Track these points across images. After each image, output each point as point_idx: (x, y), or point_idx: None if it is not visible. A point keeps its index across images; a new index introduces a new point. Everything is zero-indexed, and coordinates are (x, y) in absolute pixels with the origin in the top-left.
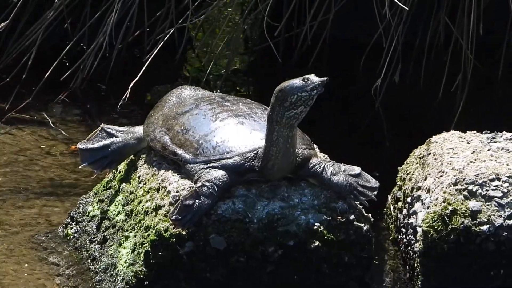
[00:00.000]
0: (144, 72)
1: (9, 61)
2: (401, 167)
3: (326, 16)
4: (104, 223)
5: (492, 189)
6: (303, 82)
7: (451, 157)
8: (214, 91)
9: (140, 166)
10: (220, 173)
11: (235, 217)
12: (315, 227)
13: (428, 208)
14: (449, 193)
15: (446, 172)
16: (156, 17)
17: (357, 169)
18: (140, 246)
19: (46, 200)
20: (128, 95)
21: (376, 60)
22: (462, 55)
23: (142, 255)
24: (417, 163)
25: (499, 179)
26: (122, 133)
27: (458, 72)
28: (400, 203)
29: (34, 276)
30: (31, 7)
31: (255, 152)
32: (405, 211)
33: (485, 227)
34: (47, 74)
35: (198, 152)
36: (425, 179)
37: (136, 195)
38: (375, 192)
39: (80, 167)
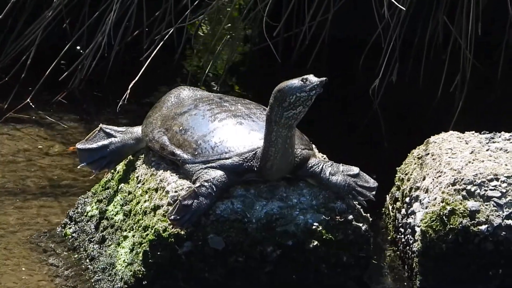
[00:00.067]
0: (143, 72)
1: (7, 61)
2: (399, 167)
3: (325, 16)
4: (103, 223)
5: (491, 189)
6: (302, 83)
7: (449, 157)
8: (213, 91)
9: (139, 166)
10: (218, 173)
11: (234, 217)
12: (314, 227)
13: (426, 208)
14: (447, 193)
15: (445, 172)
16: (154, 17)
17: (355, 169)
18: (139, 246)
19: (45, 200)
20: (127, 96)
21: (376, 60)
22: (461, 55)
23: (140, 255)
24: (415, 163)
25: (497, 179)
26: (121, 133)
27: (457, 72)
28: (398, 203)
29: (33, 276)
30: (30, 6)
31: (254, 152)
32: (403, 211)
33: (483, 227)
34: (45, 74)
35: (196, 152)
36: (424, 179)
37: (135, 195)
38: (374, 192)
39: (78, 167)
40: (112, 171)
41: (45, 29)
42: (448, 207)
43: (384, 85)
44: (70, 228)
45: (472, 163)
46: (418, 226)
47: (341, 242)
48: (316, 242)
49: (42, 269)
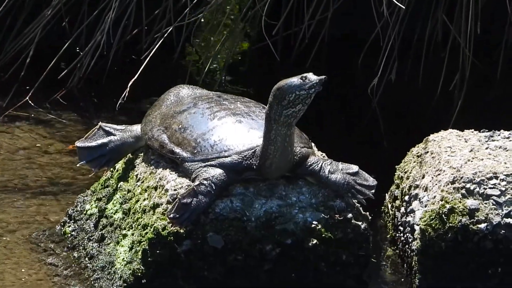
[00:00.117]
0: (142, 71)
1: (7, 60)
2: (399, 166)
3: (325, 14)
4: (102, 221)
5: (490, 188)
6: (301, 81)
7: (449, 155)
8: (212, 89)
9: (138, 165)
10: (218, 172)
11: (233, 215)
12: (313, 225)
13: (426, 206)
14: (446, 191)
15: (444, 171)
16: (154, 15)
17: (354, 168)
18: (138, 244)
19: (44, 198)
20: (126, 94)
21: (375, 59)
22: (460, 54)
23: (139, 253)
24: (415, 162)
25: (496, 178)
26: (120, 131)
27: (456, 70)
28: (398, 202)
29: (32, 274)
30: (29, 5)
31: (253, 150)
32: (403, 209)
33: (482, 226)
34: (45, 73)
35: (196, 151)
36: (423, 177)
37: (134, 193)
38: (373, 191)
39: (78, 165)
40: (111, 169)
41: (44, 28)
42: (448, 206)
43: (383, 84)
44: (69, 226)
45: (472, 161)
46: (418, 225)
47: (341, 241)
48: (315, 241)
49: (41, 268)
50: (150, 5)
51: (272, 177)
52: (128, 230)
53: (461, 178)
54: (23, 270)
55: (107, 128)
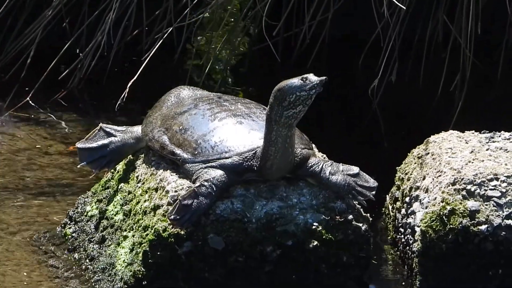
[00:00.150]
0: (143, 71)
1: (7, 60)
2: (399, 167)
3: (325, 15)
4: (103, 223)
5: (491, 189)
6: (302, 82)
7: (449, 157)
8: (213, 90)
9: (139, 166)
10: (218, 173)
11: (234, 217)
12: (314, 227)
13: (426, 208)
14: (447, 193)
15: (445, 172)
16: (154, 16)
17: (355, 169)
18: (139, 246)
19: (44, 200)
20: (126, 95)
21: (376, 59)
22: (461, 54)
23: (140, 255)
24: (415, 163)
25: (497, 179)
26: (121, 132)
27: (457, 71)
28: (398, 203)
29: (32, 276)
30: (30, 6)
31: (254, 151)
32: (403, 211)
33: (483, 227)
34: (45, 73)
35: (196, 152)
36: (424, 179)
37: (135, 195)
38: (374, 192)
39: (78, 166)
40: (112, 170)
41: (44, 28)
42: (448, 207)
43: (383, 85)
44: (70, 228)
45: (472, 162)
46: (418, 226)
47: (341, 242)
48: (316, 242)
49: (41, 269)
50: (151, 5)
51: (273, 178)
52: (129, 232)
53: (462, 179)
54: (23, 271)
55: (107, 129)
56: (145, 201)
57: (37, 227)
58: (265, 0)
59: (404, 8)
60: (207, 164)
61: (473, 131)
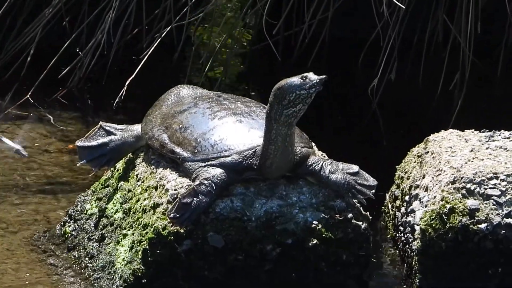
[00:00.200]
0: (143, 70)
1: (7, 59)
2: (399, 166)
3: (325, 14)
4: (102, 221)
5: (490, 188)
6: (302, 80)
7: (449, 155)
8: (213, 89)
9: (138, 164)
10: (218, 171)
11: (233, 215)
12: (313, 225)
13: (426, 206)
14: (447, 191)
15: (444, 171)
16: (154, 15)
17: (355, 168)
18: (138, 244)
19: (44, 198)
20: (126, 94)
21: (375, 58)
22: (460, 54)
23: (140, 253)
24: (415, 162)
25: (497, 178)
26: (121, 131)
27: (457, 70)
28: (398, 202)
29: (32, 274)
30: (30, 5)
31: (254, 150)
32: (403, 209)
33: (483, 226)
34: (44, 72)
35: (196, 150)
36: (423, 177)
37: (134, 193)
38: (373, 191)
39: (78, 164)
40: (111, 169)
41: (44, 27)
42: (448, 206)
43: (383, 84)
44: (69, 226)
45: (472, 161)
46: (418, 225)
47: (341, 241)
48: (315, 241)
49: (41, 268)
50: (151, 4)
51: (273, 177)
52: (129, 230)
53: (462, 178)
54: (23, 269)
55: (107, 128)
56: (144, 199)
57: (36, 226)
58: None
59: (404, 7)
60: (206, 163)
61: (473, 130)
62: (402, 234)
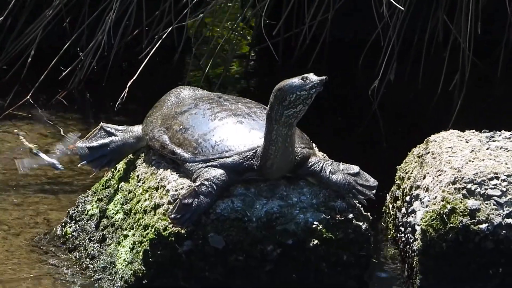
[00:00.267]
0: (143, 71)
1: (8, 60)
2: (400, 166)
3: (325, 15)
4: (103, 222)
5: (491, 188)
6: (302, 81)
7: (450, 156)
8: (213, 90)
9: (139, 165)
10: (219, 172)
11: (234, 216)
12: (314, 225)
13: (427, 207)
14: (447, 192)
15: (445, 171)
16: (154, 16)
17: (355, 168)
18: (139, 244)
19: (45, 198)
20: (127, 95)
21: (376, 59)
22: (460, 54)
23: (141, 253)
24: (416, 162)
25: (497, 178)
26: (121, 132)
27: (457, 70)
28: (399, 202)
29: (32, 275)
30: (30, 6)
31: (254, 151)
32: (404, 210)
33: (483, 226)
34: (45, 73)
35: (197, 151)
36: (424, 178)
37: (135, 194)
38: (374, 191)
39: (79, 165)
40: (112, 169)
41: (45, 28)
42: (449, 206)
43: (383, 85)
44: (70, 227)
45: (473, 161)
46: (418, 225)
47: (342, 241)
48: (316, 241)
49: (42, 268)
50: (151, 5)
51: (273, 178)
52: (129, 231)
53: (462, 178)
54: (23, 270)
55: (108, 129)
56: (145, 200)
57: (37, 226)
58: (264, 0)
59: (403, 9)
60: (207, 163)
61: (474, 131)
62: (402, 235)
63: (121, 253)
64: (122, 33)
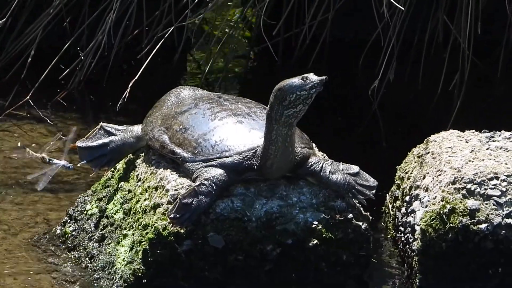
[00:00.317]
0: (143, 71)
1: (8, 60)
2: (399, 166)
3: (326, 15)
4: (103, 221)
5: (491, 188)
6: (302, 81)
7: (449, 156)
8: (213, 90)
9: (139, 165)
10: (218, 172)
11: (234, 215)
12: (314, 225)
13: (426, 207)
14: (447, 192)
15: (445, 171)
16: (154, 16)
17: (355, 168)
18: (139, 244)
19: (44, 198)
20: (127, 94)
21: (376, 59)
22: (460, 54)
23: (140, 253)
24: (415, 162)
25: (497, 178)
26: (121, 131)
27: (457, 70)
28: (398, 202)
29: (32, 274)
30: (30, 6)
31: (254, 150)
32: (403, 209)
33: (483, 226)
34: (45, 73)
35: (196, 151)
36: (424, 178)
37: (135, 193)
38: (374, 191)
39: (78, 165)
40: (112, 169)
41: (45, 28)
42: (448, 206)
43: (383, 85)
44: (69, 226)
45: (472, 162)
46: (418, 225)
47: (341, 241)
48: (316, 241)
49: (41, 268)
50: (151, 5)
51: (273, 178)
52: (129, 230)
53: (462, 178)
54: (23, 269)
55: (108, 128)
56: (145, 199)
57: (36, 226)
58: (264, 0)
59: (403, 9)
60: (207, 163)
61: (473, 131)
62: (402, 234)
63: (121, 253)
64: (122, 33)
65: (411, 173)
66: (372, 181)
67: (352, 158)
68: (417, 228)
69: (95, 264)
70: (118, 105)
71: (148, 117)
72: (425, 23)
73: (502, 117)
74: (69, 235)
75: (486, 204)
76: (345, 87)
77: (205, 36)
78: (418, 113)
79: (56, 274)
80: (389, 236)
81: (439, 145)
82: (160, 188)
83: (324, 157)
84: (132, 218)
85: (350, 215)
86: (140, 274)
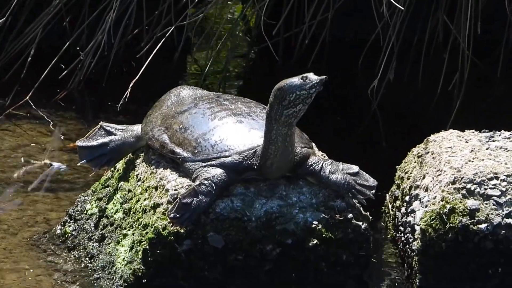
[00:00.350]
0: (143, 71)
1: (7, 59)
2: (399, 166)
3: (325, 15)
4: (102, 221)
5: (491, 188)
6: (302, 81)
7: (449, 156)
8: (213, 90)
9: (139, 165)
10: (218, 172)
11: (233, 215)
12: (313, 225)
13: (426, 206)
14: (447, 191)
15: (445, 171)
16: (154, 15)
17: (355, 168)
18: (138, 244)
19: (44, 197)
20: (127, 94)
21: (376, 59)
22: (460, 54)
23: (140, 253)
24: (415, 162)
25: (497, 178)
26: (121, 131)
27: (457, 70)
28: (398, 202)
29: (32, 274)
30: (30, 5)
31: (254, 150)
32: (403, 209)
33: (483, 226)
34: (45, 73)
35: (196, 151)
36: (424, 177)
37: (135, 193)
38: (373, 191)
39: (78, 164)
40: (112, 169)
41: (45, 28)
42: (448, 206)
43: (383, 85)
44: (69, 226)
45: (472, 161)
46: (418, 225)
47: (341, 241)
48: (315, 241)
49: (41, 267)
50: (151, 5)
51: (273, 177)
52: (129, 230)
53: (462, 178)
54: (23, 269)
55: (108, 128)
56: (145, 199)
57: (36, 225)
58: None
59: (403, 8)
60: (207, 163)
61: (473, 130)
62: (402, 234)
63: (121, 252)
64: (122, 32)
65: (411, 173)
66: (372, 181)
67: (352, 158)
68: (417, 228)
69: (95, 263)
70: (119, 105)
71: (148, 117)
72: (425, 23)
73: (502, 117)
74: (69, 234)
75: (486, 204)
76: (345, 87)
77: (205, 35)
78: (418, 113)
79: (56, 274)
80: (389, 236)
81: (439, 145)
82: (160, 187)
83: (324, 157)
84: (132, 217)
85: (350, 215)
86: (140, 274)
